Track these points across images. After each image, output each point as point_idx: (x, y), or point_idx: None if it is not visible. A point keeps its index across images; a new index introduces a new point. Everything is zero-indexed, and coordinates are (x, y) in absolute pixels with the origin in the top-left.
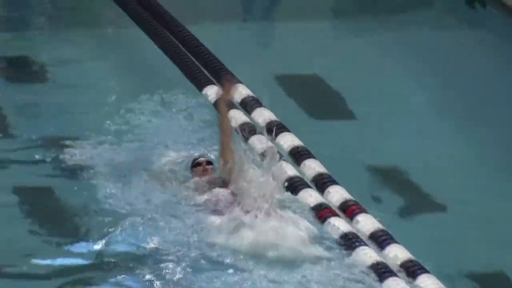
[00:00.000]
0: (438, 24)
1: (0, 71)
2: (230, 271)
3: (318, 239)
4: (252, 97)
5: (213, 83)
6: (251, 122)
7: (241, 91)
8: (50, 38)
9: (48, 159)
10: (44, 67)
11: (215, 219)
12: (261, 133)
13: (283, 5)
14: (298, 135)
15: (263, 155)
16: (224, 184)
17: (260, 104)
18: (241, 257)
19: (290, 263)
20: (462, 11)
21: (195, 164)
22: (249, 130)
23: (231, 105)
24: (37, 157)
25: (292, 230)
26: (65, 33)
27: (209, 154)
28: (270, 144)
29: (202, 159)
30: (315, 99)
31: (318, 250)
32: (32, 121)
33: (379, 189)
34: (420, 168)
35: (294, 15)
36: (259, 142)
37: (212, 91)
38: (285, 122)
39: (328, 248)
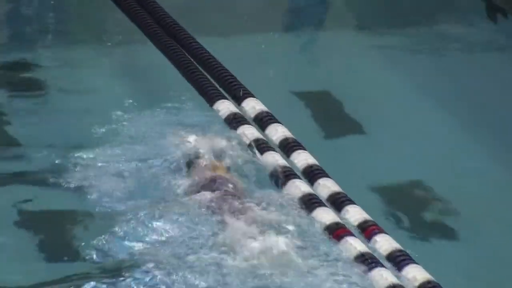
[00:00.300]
0: (459, 36)
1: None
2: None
3: (331, 259)
4: (266, 112)
5: (225, 98)
6: (264, 138)
7: (254, 106)
8: (53, 48)
9: (48, 175)
10: (47, 78)
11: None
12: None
13: (300, 17)
14: (312, 152)
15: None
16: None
17: (274, 120)
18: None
19: (300, 281)
20: (484, 21)
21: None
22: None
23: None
24: (37, 172)
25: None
26: (70, 44)
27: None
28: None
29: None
30: (330, 116)
31: (331, 270)
32: (33, 134)
33: (396, 208)
34: (440, 185)
35: (311, 26)
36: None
37: (223, 106)
38: (299, 139)
39: (344, 268)
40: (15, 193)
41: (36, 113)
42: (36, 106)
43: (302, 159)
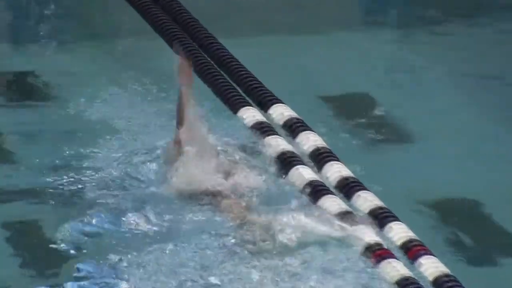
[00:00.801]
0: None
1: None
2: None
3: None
4: (297, 119)
5: (249, 104)
6: (294, 150)
7: (282, 113)
8: (56, 51)
9: (47, 188)
10: (48, 84)
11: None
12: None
13: (329, 14)
14: (347, 163)
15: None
16: None
17: (306, 127)
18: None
19: None
20: None
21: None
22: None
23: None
24: (36, 184)
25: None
26: (73, 46)
27: None
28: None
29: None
30: (366, 121)
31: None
32: (33, 144)
33: (445, 226)
34: (495, 202)
35: (340, 26)
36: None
37: (248, 114)
38: (332, 147)
39: None
40: (10, 201)
41: (37, 127)
42: (37, 119)
43: (335, 171)
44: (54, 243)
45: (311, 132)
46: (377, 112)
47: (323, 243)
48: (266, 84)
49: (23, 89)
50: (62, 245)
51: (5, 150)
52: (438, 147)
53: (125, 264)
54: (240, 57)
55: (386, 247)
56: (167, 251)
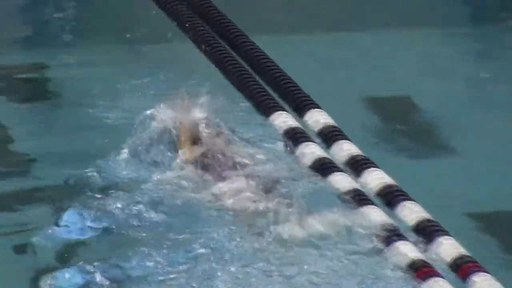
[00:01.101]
0: None
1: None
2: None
3: None
4: (334, 126)
5: (283, 109)
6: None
7: (319, 119)
8: (67, 51)
9: (44, 187)
10: (58, 84)
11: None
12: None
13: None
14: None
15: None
16: None
17: (343, 136)
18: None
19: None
20: None
21: None
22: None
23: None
24: (34, 183)
25: None
26: (89, 44)
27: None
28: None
29: None
30: (409, 127)
31: None
32: (42, 146)
33: (500, 242)
34: None
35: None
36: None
37: (281, 119)
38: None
39: None
40: (22, 209)
41: (45, 127)
42: (47, 120)
43: (375, 177)
44: (40, 246)
45: (347, 141)
46: (425, 118)
47: (361, 256)
48: (304, 85)
49: (33, 87)
50: (49, 248)
51: (4, 148)
52: (486, 160)
53: (115, 268)
54: (275, 56)
55: (431, 265)
56: (164, 255)
